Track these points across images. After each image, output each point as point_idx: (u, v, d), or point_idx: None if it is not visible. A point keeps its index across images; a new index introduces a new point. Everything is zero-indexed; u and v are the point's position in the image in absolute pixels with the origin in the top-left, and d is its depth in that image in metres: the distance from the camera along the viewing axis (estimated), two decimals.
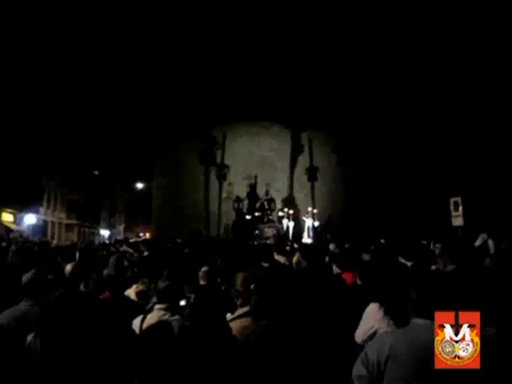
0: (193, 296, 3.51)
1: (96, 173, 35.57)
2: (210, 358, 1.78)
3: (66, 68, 21.99)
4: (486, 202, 15.21)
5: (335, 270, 4.06)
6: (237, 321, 2.52)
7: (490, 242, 7.96)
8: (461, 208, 10.41)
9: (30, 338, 1.93)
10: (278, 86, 18.94)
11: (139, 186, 35.45)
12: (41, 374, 1.81)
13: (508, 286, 3.20)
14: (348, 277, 3.85)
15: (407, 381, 1.96)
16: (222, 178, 20.85)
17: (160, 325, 2.12)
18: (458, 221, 10.53)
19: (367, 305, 2.92)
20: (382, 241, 9.45)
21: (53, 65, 21.83)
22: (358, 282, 3.69)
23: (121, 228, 42.69)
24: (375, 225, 15.41)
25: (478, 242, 8.18)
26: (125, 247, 9.54)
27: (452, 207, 10.74)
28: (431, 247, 8.55)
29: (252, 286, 2.69)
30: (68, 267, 3.98)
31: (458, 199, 10.63)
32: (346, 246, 7.29)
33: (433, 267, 4.83)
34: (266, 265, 4.23)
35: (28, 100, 22.93)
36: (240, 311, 2.63)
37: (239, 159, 20.68)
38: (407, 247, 5.26)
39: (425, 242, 9.01)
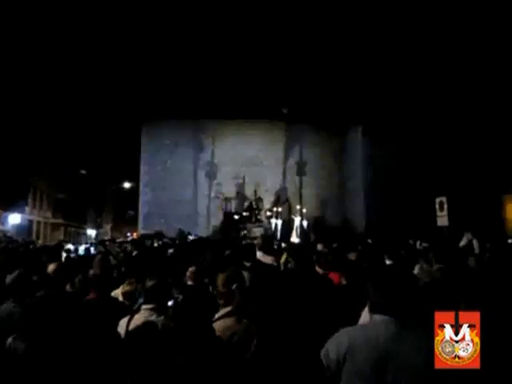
0: (181, 297, 3.52)
1: (83, 172, 35.16)
2: (194, 358, 1.78)
3: (53, 65, 21.68)
4: (471, 202, 15.45)
5: (318, 270, 4.07)
6: (220, 321, 2.53)
7: (475, 242, 8.07)
8: (446, 208, 10.54)
9: (10, 339, 1.91)
10: (268, 82, 18.90)
11: (127, 185, 35.13)
12: (24, 376, 1.79)
13: (489, 285, 3.26)
14: (333, 277, 3.88)
15: (364, 376, 1.97)
16: (211, 176, 20.81)
17: (145, 325, 2.11)
18: (443, 221, 10.66)
19: (353, 305, 2.93)
20: (369, 240, 9.56)
21: (40, 63, 21.50)
22: (343, 282, 3.71)
23: (108, 228, 42.28)
24: (362, 224, 15.54)
25: (462, 242, 8.29)
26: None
27: (437, 207, 10.87)
28: (417, 247, 8.68)
29: (234, 286, 2.70)
30: (51, 267, 3.94)
31: (444, 199, 10.76)
32: (334, 245, 7.35)
33: (417, 266, 4.91)
34: (247, 264, 4.23)
35: (13, 98, 22.57)
36: (223, 311, 2.64)
37: (227, 159, 20.68)
38: (392, 247, 5.33)
39: (411, 242, 9.13)
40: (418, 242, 9.12)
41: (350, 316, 2.87)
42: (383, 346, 1.98)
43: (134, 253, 7.40)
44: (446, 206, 10.55)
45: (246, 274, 3.23)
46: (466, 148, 17.42)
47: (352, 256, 5.21)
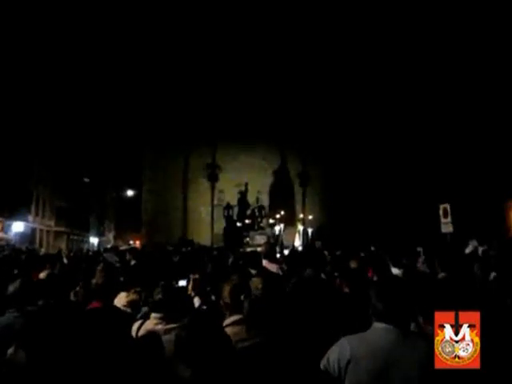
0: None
1: (86, 180, 35.24)
2: (207, 368, 1.75)
3: (57, 74, 21.84)
4: (474, 208, 15.39)
5: None
6: (228, 328, 2.51)
7: (480, 249, 7.99)
8: (450, 215, 10.47)
9: (11, 349, 1.88)
10: (269, 103, 19.04)
11: (129, 193, 35.14)
12: None
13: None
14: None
15: (367, 383, 1.97)
16: (213, 179, 20.73)
17: (149, 336, 2.08)
18: (447, 227, 10.58)
19: (355, 312, 2.90)
20: (373, 248, 9.50)
21: (45, 71, 21.68)
22: (345, 290, 3.68)
23: (110, 236, 42.22)
24: (366, 232, 15.48)
25: (468, 249, 8.20)
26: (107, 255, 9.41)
27: (441, 214, 10.79)
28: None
29: (242, 297, 2.68)
30: (42, 275, 3.92)
31: (447, 206, 10.69)
32: (338, 253, 7.31)
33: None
34: (253, 271, 4.20)
35: (16, 105, 22.70)
36: (232, 319, 2.62)
37: (230, 166, 20.68)
38: (397, 255, 5.28)
39: (420, 250, 9.03)
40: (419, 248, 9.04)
41: (351, 324, 2.84)
42: (384, 354, 1.99)
43: (133, 262, 7.28)
44: (449, 213, 10.47)
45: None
46: (469, 156, 17.40)
47: (353, 263, 5.14)
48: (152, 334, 2.14)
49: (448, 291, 3.02)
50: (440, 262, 4.83)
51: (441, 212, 10.81)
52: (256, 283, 3.10)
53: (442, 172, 17.35)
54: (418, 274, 4.65)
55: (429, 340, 2.03)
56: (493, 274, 4.54)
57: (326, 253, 6.73)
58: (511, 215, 18.84)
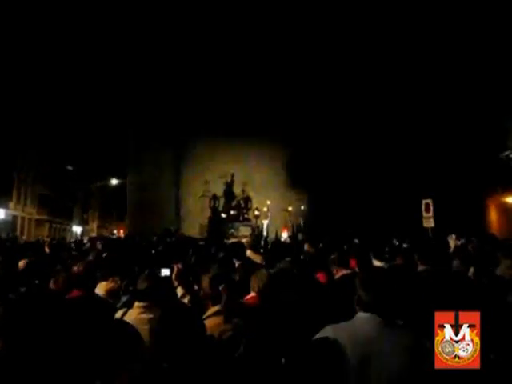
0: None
1: (69, 167, 34.70)
2: (183, 359, 1.75)
3: (42, 62, 21.38)
4: (455, 204, 15.69)
5: None
6: (208, 320, 2.53)
7: (459, 243, 8.11)
8: (432, 210, 10.65)
9: None
10: (254, 95, 18.93)
11: (114, 182, 34.74)
12: (3, 376, 1.74)
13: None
14: (320, 277, 3.89)
15: (350, 370, 1.97)
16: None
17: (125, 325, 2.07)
18: (428, 222, 10.77)
19: (335, 304, 2.93)
20: (356, 240, 9.60)
21: (27, 58, 21.19)
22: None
23: (94, 225, 41.82)
24: (349, 225, 15.64)
25: (451, 246, 8.26)
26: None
27: (423, 209, 10.98)
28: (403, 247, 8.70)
29: (221, 287, 2.70)
30: (20, 263, 3.89)
31: (429, 201, 10.87)
32: (320, 245, 7.36)
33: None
34: (237, 263, 4.22)
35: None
36: (211, 311, 2.64)
37: (216, 158, 20.59)
38: (380, 247, 5.35)
39: (396, 242, 9.18)
40: (396, 241, 9.17)
41: (333, 315, 2.87)
42: (366, 343, 1.99)
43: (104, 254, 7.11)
44: (431, 208, 10.66)
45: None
46: (452, 153, 17.67)
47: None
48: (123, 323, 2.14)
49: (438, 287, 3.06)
50: (420, 255, 4.91)
51: (423, 207, 10.99)
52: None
53: (425, 168, 17.60)
54: (399, 266, 4.72)
55: (414, 331, 2.03)
56: (471, 269, 4.62)
57: (307, 246, 6.76)
58: (491, 211, 19.26)
